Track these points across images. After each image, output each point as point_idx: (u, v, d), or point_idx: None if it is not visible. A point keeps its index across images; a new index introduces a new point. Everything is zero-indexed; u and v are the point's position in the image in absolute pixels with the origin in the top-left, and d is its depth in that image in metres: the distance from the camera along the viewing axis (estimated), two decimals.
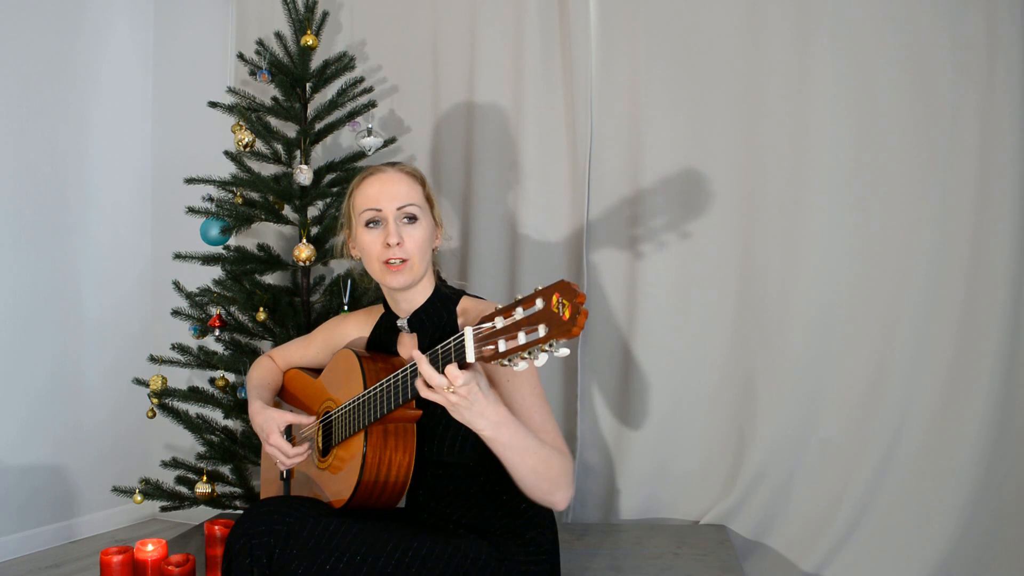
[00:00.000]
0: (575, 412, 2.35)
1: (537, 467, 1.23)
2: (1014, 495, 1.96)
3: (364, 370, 1.38)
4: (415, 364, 1.19)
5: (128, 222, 2.95)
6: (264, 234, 2.61)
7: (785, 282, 2.14)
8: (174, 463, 2.33)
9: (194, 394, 2.25)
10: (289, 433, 1.57)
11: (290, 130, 2.38)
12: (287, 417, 1.51)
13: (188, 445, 2.64)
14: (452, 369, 1.10)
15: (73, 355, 2.74)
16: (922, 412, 2.03)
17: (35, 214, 2.61)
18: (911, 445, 2.03)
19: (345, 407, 1.40)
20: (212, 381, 2.35)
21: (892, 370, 2.05)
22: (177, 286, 2.33)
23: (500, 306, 1.06)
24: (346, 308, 2.13)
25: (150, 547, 1.68)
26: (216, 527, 1.75)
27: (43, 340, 2.64)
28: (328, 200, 2.32)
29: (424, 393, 1.16)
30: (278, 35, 2.36)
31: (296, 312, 2.26)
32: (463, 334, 1.08)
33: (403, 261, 1.39)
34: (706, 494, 2.25)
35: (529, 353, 1.00)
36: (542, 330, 0.97)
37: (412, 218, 1.41)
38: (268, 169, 2.39)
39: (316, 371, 1.65)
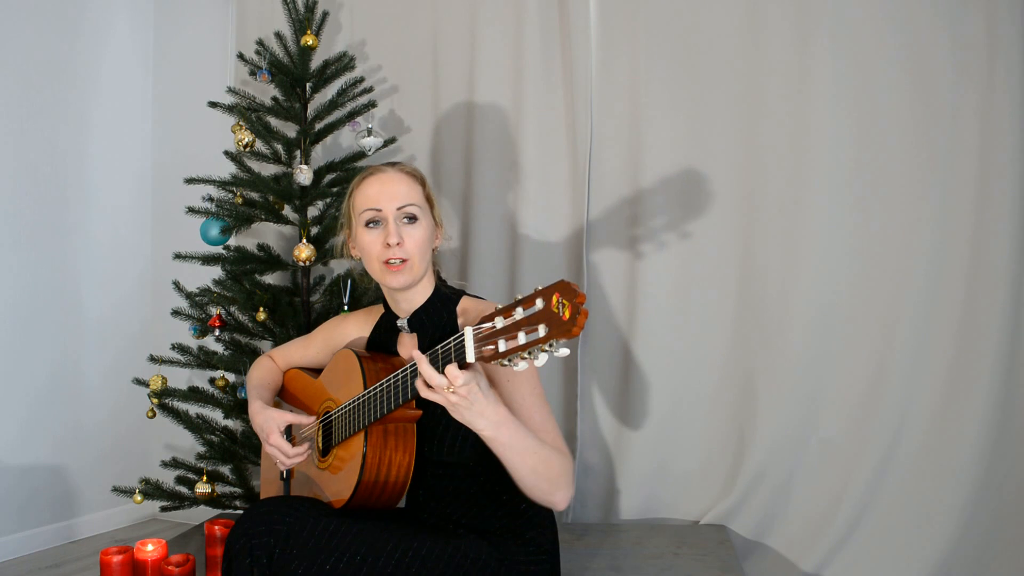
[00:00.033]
0: (575, 412, 2.35)
1: (537, 467, 1.23)
2: (1014, 495, 1.96)
3: (364, 370, 1.38)
4: (415, 364, 1.19)
5: (128, 222, 2.95)
6: (264, 234, 2.61)
7: (785, 282, 2.14)
8: (174, 463, 2.33)
9: (194, 394, 2.25)
10: (289, 433, 1.57)
11: (290, 130, 2.38)
12: (287, 417, 1.51)
13: (188, 445, 2.64)
14: (452, 369, 1.10)
15: (73, 355, 2.74)
16: (922, 412, 2.03)
17: (35, 214, 2.61)
18: (911, 445, 2.03)
19: (345, 407, 1.40)
20: (212, 381, 2.35)
21: (892, 370, 2.05)
22: (177, 286, 2.33)
23: (500, 306, 1.06)
24: (346, 308, 2.13)
25: (150, 547, 1.68)
26: (216, 527, 1.75)
27: (43, 340, 2.64)
28: (328, 200, 2.32)
29: (424, 393, 1.16)
30: (278, 35, 2.36)
31: (296, 312, 2.26)
32: (463, 334, 1.08)
33: (403, 261, 1.39)
34: (706, 494, 2.25)
35: (529, 353, 0.99)
36: (542, 330, 0.97)
37: (412, 218, 1.41)
38: (268, 169, 2.39)
39: (316, 371, 1.64)
